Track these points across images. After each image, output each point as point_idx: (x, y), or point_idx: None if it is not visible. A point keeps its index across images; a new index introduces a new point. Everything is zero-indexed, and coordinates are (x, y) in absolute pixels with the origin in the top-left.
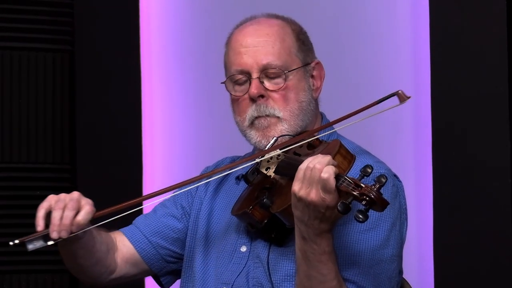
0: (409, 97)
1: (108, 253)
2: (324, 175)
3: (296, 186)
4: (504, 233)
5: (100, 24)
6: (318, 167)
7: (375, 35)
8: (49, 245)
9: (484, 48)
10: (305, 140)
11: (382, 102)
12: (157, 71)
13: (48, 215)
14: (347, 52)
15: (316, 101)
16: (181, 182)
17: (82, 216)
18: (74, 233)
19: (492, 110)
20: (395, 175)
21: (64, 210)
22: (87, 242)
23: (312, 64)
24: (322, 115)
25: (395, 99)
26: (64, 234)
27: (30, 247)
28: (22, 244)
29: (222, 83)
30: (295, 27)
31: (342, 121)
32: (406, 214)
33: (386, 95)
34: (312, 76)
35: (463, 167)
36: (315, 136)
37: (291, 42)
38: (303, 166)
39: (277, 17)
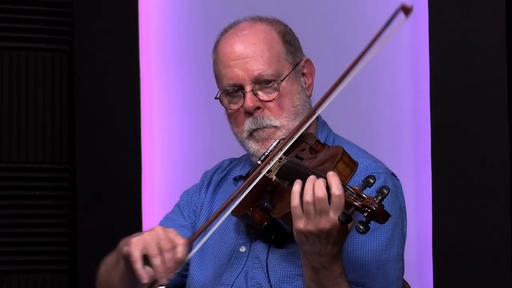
0: (412, 6)
1: None
2: (338, 192)
3: (300, 224)
4: (504, 233)
5: (99, 24)
6: (322, 196)
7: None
8: None
9: (484, 48)
10: (300, 130)
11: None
12: (156, 71)
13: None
14: (345, 51)
15: (310, 99)
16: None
17: (182, 252)
18: (178, 269)
19: (492, 110)
20: (393, 174)
21: (162, 254)
22: None
23: (302, 63)
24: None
25: (399, 17)
26: (171, 276)
27: None
28: None
29: (216, 98)
30: (280, 28)
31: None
32: (405, 212)
33: (390, 16)
34: (303, 74)
35: (463, 167)
36: (308, 122)
37: (279, 47)
38: (295, 203)
39: (261, 20)
